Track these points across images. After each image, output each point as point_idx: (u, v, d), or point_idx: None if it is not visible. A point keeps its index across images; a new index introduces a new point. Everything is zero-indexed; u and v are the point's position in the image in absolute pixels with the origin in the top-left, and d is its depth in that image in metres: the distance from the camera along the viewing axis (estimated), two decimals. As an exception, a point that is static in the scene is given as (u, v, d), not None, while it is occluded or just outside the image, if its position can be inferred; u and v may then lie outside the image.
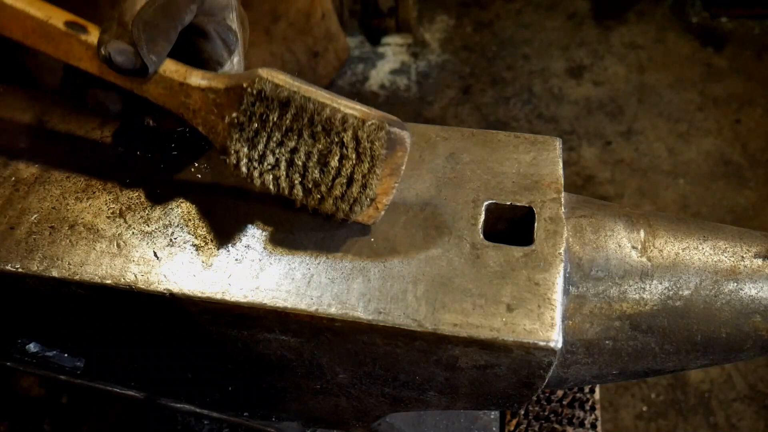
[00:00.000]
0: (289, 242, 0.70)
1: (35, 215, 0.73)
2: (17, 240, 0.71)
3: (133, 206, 0.74)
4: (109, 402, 1.14)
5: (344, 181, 0.66)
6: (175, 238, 0.71)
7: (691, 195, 2.91)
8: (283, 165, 0.66)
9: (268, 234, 0.71)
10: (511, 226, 0.75)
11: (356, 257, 0.69)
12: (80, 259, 0.70)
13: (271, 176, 0.67)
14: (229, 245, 0.71)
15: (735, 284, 0.73)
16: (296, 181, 0.67)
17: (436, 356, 0.67)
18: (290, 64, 1.68)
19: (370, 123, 0.64)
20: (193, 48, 0.70)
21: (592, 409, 1.13)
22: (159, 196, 0.75)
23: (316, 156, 0.65)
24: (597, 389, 1.15)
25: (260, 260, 0.69)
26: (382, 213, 0.69)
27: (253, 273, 0.68)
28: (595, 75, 3.38)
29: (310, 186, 0.67)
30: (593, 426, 1.12)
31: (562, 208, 0.72)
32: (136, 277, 0.68)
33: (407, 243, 0.70)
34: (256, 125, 0.65)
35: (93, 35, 0.66)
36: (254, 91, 0.64)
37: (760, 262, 0.73)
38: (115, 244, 0.71)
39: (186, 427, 1.06)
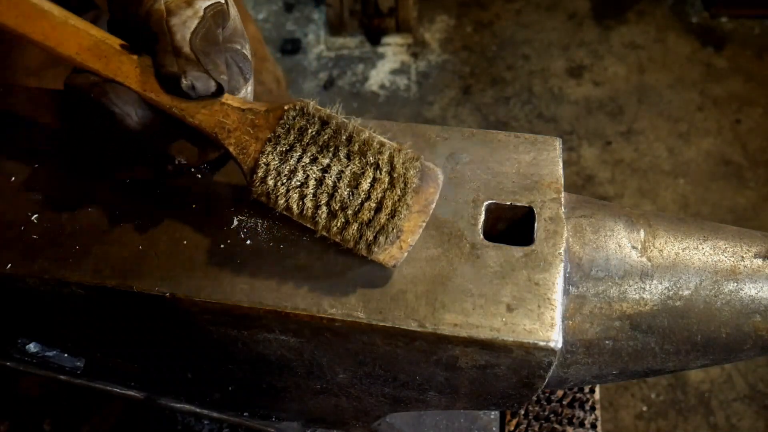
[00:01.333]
0: (291, 242, 0.70)
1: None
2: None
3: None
4: (109, 402, 1.14)
5: (373, 205, 0.63)
6: (176, 239, 0.71)
7: (691, 195, 2.91)
8: (312, 182, 0.64)
9: (269, 234, 0.71)
10: (511, 226, 0.75)
11: (356, 257, 0.69)
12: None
13: (297, 194, 0.64)
14: (229, 245, 0.71)
15: (735, 284, 0.73)
16: (322, 201, 0.64)
17: (436, 356, 0.67)
18: (264, 96, 1.67)
19: (406, 152, 0.64)
20: None
21: (592, 409, 1.13)
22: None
23: (348, 177, 0.64)
24: (597, 389, 1.15)
25: (260, 260, 0.69)
26: (405, 255, 0.65)
27: (253, 273, 0.68)
28: (595, 75, 3.38)
29: (336, 208, 0.64)
30: (593, 426, 1.12)
31: (562, 208, 0.72)
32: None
33: (407, 243, 0.70)
34: (293, 137, 0.65)
35: (144, 57, 0.68)
36: (297, 107, 0.66)
37: (760, 262, 0.73)
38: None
39: (186, 427, 1.06)
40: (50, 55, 0.69)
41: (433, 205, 0.66)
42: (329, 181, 0.64)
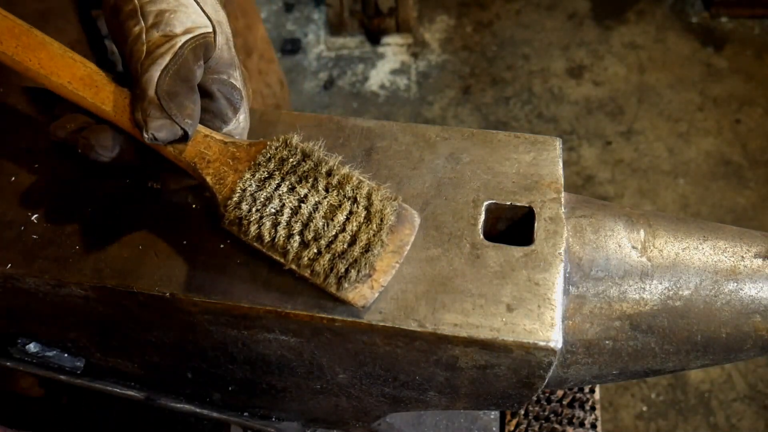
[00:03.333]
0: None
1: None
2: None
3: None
4: (109, 402, 1.14)
5: (348, 237, 0.63)
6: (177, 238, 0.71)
7: (691, 195, 2.91)
8: (287, 211, 0.64)
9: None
10: (511, 226, 0.75)
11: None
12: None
13: (270, 221, 0.64)
14: (229, 245, 0.71)
15: (735, 284, 0.73)
16: (295, 231, 0.63)
17: (436, 356, 0.67)
18: (269, 99, 1.66)
19: (385, 191, 0.64)
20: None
21: (592, 409, 1.13)
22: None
23: (325, 208, 0.64)
24: (597, 389, 1.15)
25: (260, 260, 0.69)
26: (376, 296, 0.64)
27: (253, 273, 0.68)
28: (595, 75, 3.38)
29: (309, 238, 0.63)
30: (593, 426, 1.12)
31: (562, 208, 0.72)
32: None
33: (407, 243, 0.70)
34: (273, 165, 0.65)
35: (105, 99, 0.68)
36: (281, 139, 0.66)
37: (760, 262, 0.73)
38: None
39: (186, 427, 1.06)
40: (44, 86, 0.70)
41: (408, 247, 0.65)
42: (305, 211, 0.64)
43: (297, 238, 0.64)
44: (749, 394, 2.39)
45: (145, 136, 0.64)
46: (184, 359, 0.79)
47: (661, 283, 0.72)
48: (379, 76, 3.46)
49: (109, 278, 0.68)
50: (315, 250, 0.63)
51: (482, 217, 0.72)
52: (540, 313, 0.64)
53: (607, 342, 0.73)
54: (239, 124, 0.73)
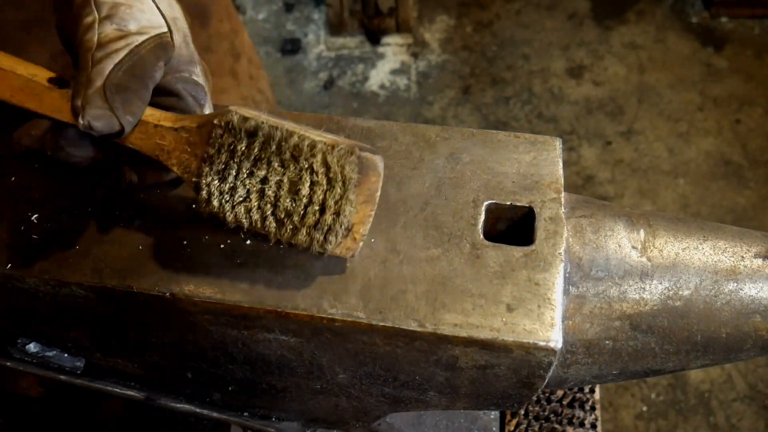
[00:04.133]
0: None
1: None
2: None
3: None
4: (109, 402, 1.14)
5: (317, 208, 0.64)
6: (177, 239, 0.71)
7: (691, 195, 2.91)
8: (254, 196, 0.65)
9: (268, 234, 0.71)
10: (511, 226, 0.75)
11: (356, 257, 0.69)
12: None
13: (242, 208, 0.65)
14: (229, 245, 0.71)
15: (735, 284, 0.73)
16: (268, 212, 0.65)
17: (436, 356, 0.67)
18: (263, 105, 1.65)
19: (339, 148, 0.63)
20: (166, 107, 0.71)
21: (592, 409, 1.13)
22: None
23: (287, 185, 0.64)
24: (597, 389, 1.15)
25: (260, 260, 0.69)
26: (361, 244, 0.66)
27: (253, 273, 0.68)
28: (595, 75, 3.38)
29: (282, 216, 0.65)
30: (593, 426, 1.12)
31: (562, 208, 0.72)
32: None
33: (407, 243, 0.70)
34: (225, 156, 0.65)
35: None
36: (222, 123, 0.65)
37: (760, 262, 0.73)
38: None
39: (186, 427, 1.06)
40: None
41: (378, 193, 0.65)
42: (270, 192, 0.64)
43: (271, 218, 0.65)
44: (749, 394, 2.39)
45: (80, 122, 0.63)
46: (184, 359, 0.79)
47: (661, 283, 0.72)
48: (379, 76, 3.46)
49: (109, 278, 0.68)
50: (291, 227, 0.65)
51: (482, 217, 0.72)
52: (540, 313, 0.64)
53: (607, 342, 0.73)
54: None
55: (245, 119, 0.64)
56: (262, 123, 0.64)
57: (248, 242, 0.71)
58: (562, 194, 0.74)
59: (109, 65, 0.64)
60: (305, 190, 0.64)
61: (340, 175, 0.63)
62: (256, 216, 0.65)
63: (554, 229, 0.71)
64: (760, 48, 3.41)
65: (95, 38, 0.66)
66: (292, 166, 0.64)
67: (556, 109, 3.25)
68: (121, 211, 0.74)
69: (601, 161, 3.05)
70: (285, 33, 3.71)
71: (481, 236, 0.70)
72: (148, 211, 0.74)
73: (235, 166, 0.65)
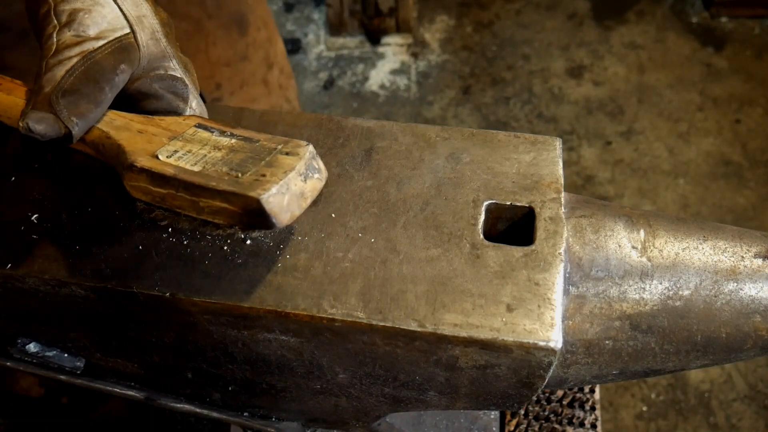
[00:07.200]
0: (290, 243, 0.70)
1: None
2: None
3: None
4: (109, 402, 1.14)
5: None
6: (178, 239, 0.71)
7: (691, 195, 2.91)
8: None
9: (268, 234, 0.71)
10: (511, 226, 0.75)
11: (356, 257, 0.69)
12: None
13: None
14: (229, 245, 0.71)
15: (735, 284, 0.73)
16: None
17: (436, 356, 0.67)
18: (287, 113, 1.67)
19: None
20: (150, 111, 0.72)
21: (592, 409, 1.13)
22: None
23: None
24: (597, 389, 1.15)
25: (260, 260, 0.69)
26: (274, 189, 0.64)
27: (253, 273, 0.68)
28: (595, 75, 3.38)
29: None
30: (593, 426, 1.12)
31: (562, 208, 0.72)
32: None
33: (407, 243, 0.70)
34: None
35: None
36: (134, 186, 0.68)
37: (760, 262, 0.73)
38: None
39: (186, 427, 1.06)
40: None
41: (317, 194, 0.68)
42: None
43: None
44: (749, 394, 2.39)
45: (20, 124, 0.63)
46: (184, 359, 0.79)
47: (661, 283, 0.72)
48: (379, 76, 3.46)
49: (109, 278, 0.68)
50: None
51: (482, 217, 0.72)
52: (540, 313, 0.64)
53: (607, 342, 0.73)
54: (194, 111, 0.74)
55: (153, 181, 0.66)
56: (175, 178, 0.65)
57: (248, 242, 0.71)
58: (562, 194, 0.74)
59: (60, 71, 0.65)
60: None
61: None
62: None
63: (554, 229, 0.71)
64: (760, 48, 3.41)
65: (54, 47, 0.66)
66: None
67: (556, 109, 3.25)
68: (121, 211, 0.74)
69: (601, 161, 3.05)
70: (285, 33, 3.71)
71: (481, 236, 0.70)
72: (147, 210, 0.73)
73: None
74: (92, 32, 0.67)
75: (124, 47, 0.68)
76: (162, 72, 0.71)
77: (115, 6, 0.70)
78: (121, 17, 0.69)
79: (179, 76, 0.72)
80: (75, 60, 0.65)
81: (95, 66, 0.66)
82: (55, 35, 0.67)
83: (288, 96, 1.63)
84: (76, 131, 0.65)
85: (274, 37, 1.55)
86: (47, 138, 0.64)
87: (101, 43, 0.67)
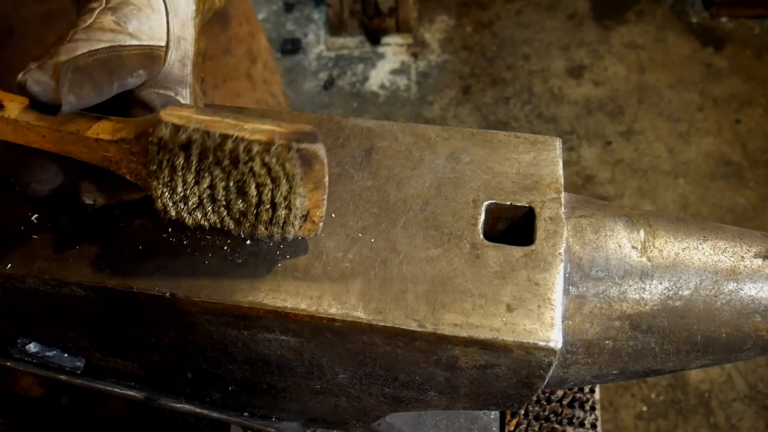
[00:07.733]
0: (290, 243, 0.70)
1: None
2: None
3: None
4: (109, 402, 1.14)
5: (268, 206, 0.65)
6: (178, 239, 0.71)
7: (691, 195, 2.91)
8: (207, 201, 0.66)
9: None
10: (511, 226, 0.75)
11: (356, 257, 0.69)
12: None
13: (200, 212, 0.67)
14: (229, 245, 0.71)
15: (735, 284, 0.73)
16: (224, 215, 0.67)
17: (436, 356, 0.67)
18: (276, 108, 1.66)
19: (275, 147, 0.62)
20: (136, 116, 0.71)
21: (592, 409, 1.13)
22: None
23: (234, 188, 0.65)
24: (597, 389, 1.15)
25: (260, 260, 0.69)
26: (321, 225, 0.68)
27: (253, 273, 0.68)
28: (595, 75, 3.38)
29: (237, 216, 0.67)
30: (593, 426, 1.12)
31: (562, 208, 0.72)
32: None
33: (407, 243, 0.70)
34: (168, 171, 0.65)
35: (8, 109, 0.67)
36: (156, 140, 0.64)
37: (760, 262, 0.73)
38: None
39: (186, 427, 1.06)
40: None
41: (326, 178, 0.66)
42: (220, 197, 0.66)
43: (228, 218, 0.67)
44: (749, 394, 2.39)
45: (20, 76, 0.62)
46: (184, 359, 0.79)
47: (661, 283, 0.72)
48: (379, 76, 3.46)
49: (109, 278, 0.68)
50: (248, 225, 0.67)
51: (482, 217, 0.72)
52: (540, 313, 0.64)
53: (607, 342, 0.73)
54: None
55: (176, 131, 0.63)
56: (194, 131, 0.63)
57: (248, 242, 0.71)
58: (562, 194, 0.74)
59: (83, 48, 0.63)
60: (252, 191, 0.64)
61: (282, 174, 0.63)
62: (213, 218, 0.67)
63: (554, 229, 0.71)
64: (760, 48, 3.41)
65: (88, 21, 0.66)
66: (233, 171, 0.64)
67: (556, 109, 3.25)
68: (121, 211, 0.74)
69: (601, 161, 3.05)
70: (285, 33, 3.71)
71: (481, 236, 0.70)
72: (147, 211, 0.73)
73: (180, 178, 0.65)
74: (131, 28, 0.67)
75: (151, 56, 0.68)
76: (171, 94, 0.71)
77: (165, 19, 0.70)
78: (164, 30, 0.69)
79: (184, 104, 0.72)
80: (102, 45, 0.64)
81: (117, 59, 0.65)
82: (97, 11, 0.66)
83: (273, 91, 1.63)
84: (65, 109, 0.63)
85: (256, 32, 1.55)
86: (35, 100, 0.63)
87: (134, 42, 0.66)
